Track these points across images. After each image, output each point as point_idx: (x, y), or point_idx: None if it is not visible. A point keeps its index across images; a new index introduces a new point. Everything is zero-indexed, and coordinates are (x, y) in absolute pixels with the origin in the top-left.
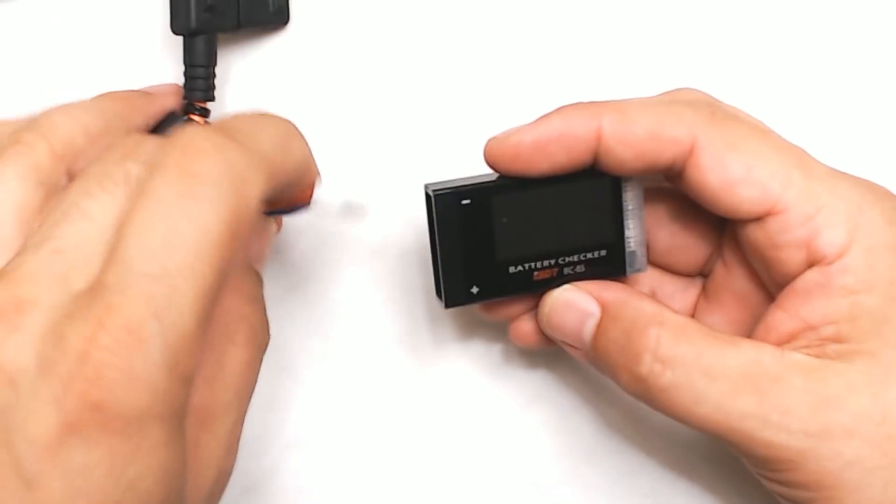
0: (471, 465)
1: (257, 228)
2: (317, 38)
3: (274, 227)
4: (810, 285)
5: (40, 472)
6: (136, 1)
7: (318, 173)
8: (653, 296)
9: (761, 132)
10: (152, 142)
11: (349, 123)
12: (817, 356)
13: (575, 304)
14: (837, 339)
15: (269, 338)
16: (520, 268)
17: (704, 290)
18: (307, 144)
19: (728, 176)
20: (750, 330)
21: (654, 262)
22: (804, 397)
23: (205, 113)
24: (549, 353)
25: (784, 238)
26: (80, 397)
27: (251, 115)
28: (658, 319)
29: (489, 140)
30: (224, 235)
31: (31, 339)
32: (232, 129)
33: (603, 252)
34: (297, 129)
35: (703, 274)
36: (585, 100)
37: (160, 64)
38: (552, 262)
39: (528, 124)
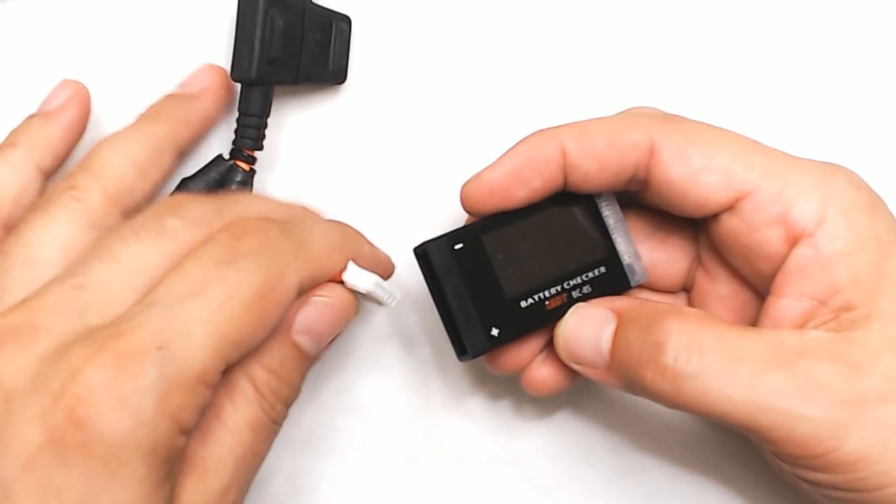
0: (470, 465)
1: (312, 303)
2: (370, 102)
3: (342, 302)
4: (804, 261)
5: (18, 485)
6: (203, 42)
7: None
8: None
9: (714, 128)
10: (196, 202)
11: (392, 186)
12: (835, 330)
13: (589, 316)
14: (847, 307)
15: (285, 411)
16: (531, 300)
17: (691, 304)
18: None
19: (690, 167)
20: None
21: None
22: (834, 367)
23: (251, 160)
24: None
25: (759, 218)
26: (66, 413)
27: (319, 218)
28: (676, 311)
29: (463, 185)
30: (251, 302)
31: (35, 360)
32: (291, 221)
33: (602, 269)
34: (350, 231)
35: (685, 289)
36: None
37: None
38: (559, 287)
39: (496, 160)
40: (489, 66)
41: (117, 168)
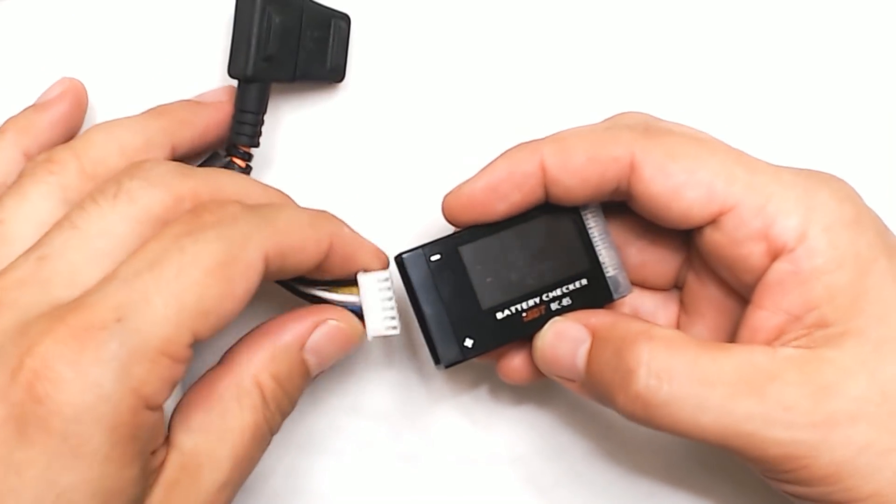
0: (468, 464)
1: (327, 325)
2: (368, 100)
3: (353, 331)
4: (782, 276)
5: None
6: (200, 39)
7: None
8: (635, 315)
9: (698, 140)
10: (153, 162)
11: (388, 185)
12: (808, 347)
13: (565, 333)
14: (822, 324)
15: (280, 422)
16: (507, 312)
17: (682, 304)
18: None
19: (671, 182)
20: (733, 337)
21: (630, 281)
22: (803, 390)
23: (247, 157)
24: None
25: (741, 233)
26: (25, 388)
27: (284, 200)
28: (647, 335)
29: (445, 197)
30: (212, 270)
31: None
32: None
33: (584, 281)
34: (327, 214)
35: (678, 286)
36: None
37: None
38: (538, 300)
39: (477, 173)
40: (487, 66)
41: (101, 149)
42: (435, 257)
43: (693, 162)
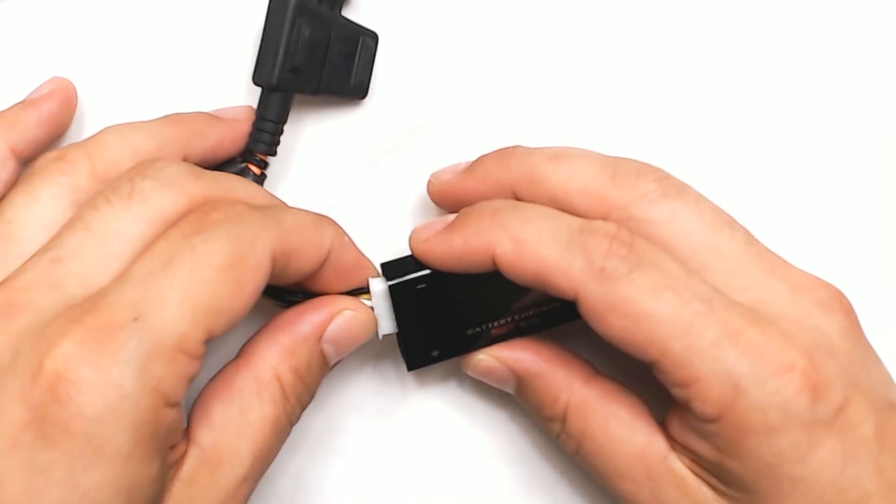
0: (468, 465)
1: (344, 315)
2: (389, 120)
3: (368, 322)
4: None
5: (5, 465)
6: (227, 46)
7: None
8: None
9: (654, 292)
10: (165, 162)
11: (401, 205)
12: (695, 474)
13: (493, 373)
14: (717, 471)
15: (300, 414)
16: (478, 329)
17: None
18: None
19: (608, 334)
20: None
21: None
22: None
23: (262, 165)
24: None
25: (666, 384)
26: (46, 390)
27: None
28: (566, 396)
29: (410, 237)
30: (223, 269)
31: (16, 339)
32: (263, 203)
33: (557, 303)
34: (330, 220)
35: None
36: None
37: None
38: (509, 318)
39: (439, 232)
40: (506, 94)
41: (114, 150)
42: (421, 286)
43: (631, 323)
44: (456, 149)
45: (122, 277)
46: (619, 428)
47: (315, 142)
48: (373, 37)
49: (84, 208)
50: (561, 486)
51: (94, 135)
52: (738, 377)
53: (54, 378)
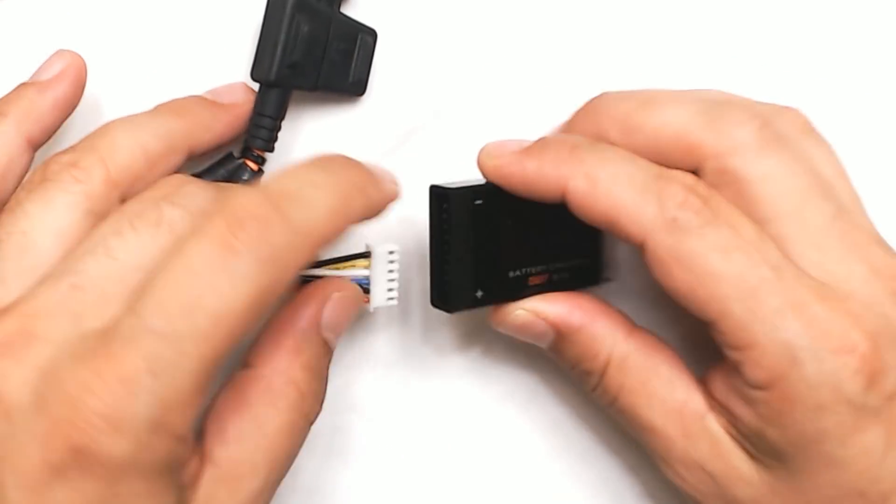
0: (467, 465)
1: (333, 299)
2: (387, 117)
3: (356, 296)
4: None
5: None
6: (227, 40)
7: (391, 194)
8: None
9: (724, 250)
10: (195, 189)
11: (402, 201)
12: (731, 436)
13: (531, 328)
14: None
15: (319, 410)
16: (517, 272)
17: None
18: (365, 175)
19: (669, 286)
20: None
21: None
22: (708, 464)
23: (260, 161)
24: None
25: (721, 344)
26: (66, 440)
27: (310, 170)
28: (608, 350)
29: (480, 152)
30: (246, 311)
31: (32, 375)
32: (283, 193)
33: (586, 261)
34: (355, 168)
35: None
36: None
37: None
38: (544, 267)
39: (513, 153)
40: (508, 95)
41: (127, 154)
42: (478, 202)
43: (695, 278)
44: (454, 145)
45: (139, 315)
46: (659, 383)
47: (313, 138)
48: (371, 33)
49: (107, 231)
50: (559, 487)
51: (103, 133)
52: (797, 349)
53: (71, 428)
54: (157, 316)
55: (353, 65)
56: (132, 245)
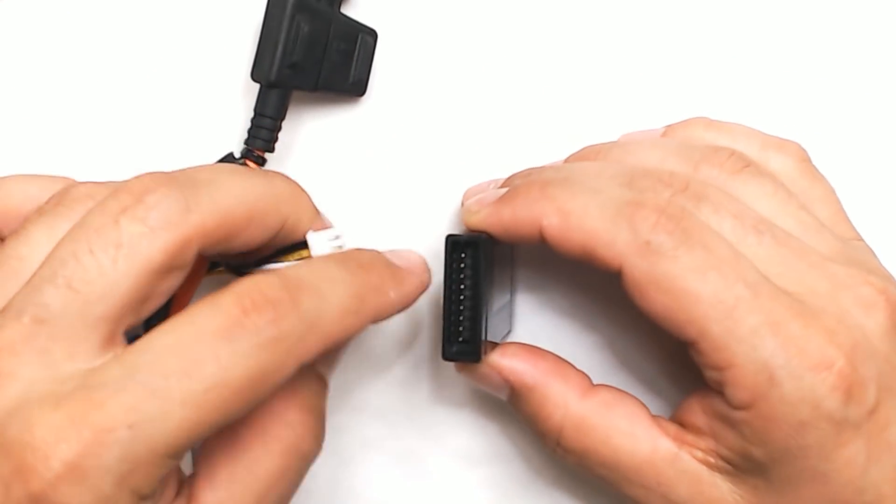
0: (470, 463)
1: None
2: (387, 117)
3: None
4: (718, 410)
5: None
6: (227, 41)
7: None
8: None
9: (699, 271)
10: (158, 198)
11: (399, 202)
12: (710, 466)
13: (486, 380)
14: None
15: (319, 449)
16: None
17: None
18: (387, 274)
19: (648, 309)
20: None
21: None
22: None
23: (261, 161)
24: None
25: (701, 365)
26: (24, 486)
27: (330, 264)
28: (561, 412)
29: (462, 209)
30: (241, 388)
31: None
32: (300, 282)
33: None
34: (378, 266)
35: None
36: None
37: (233, 104)
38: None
39: (490, 204)
40: (508, 96)
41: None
42: (489, 248)
43: (673, 300)
44: (454, 146)
45: (128, 363)
46: (621, 439)
47: (313, 138)
48: (371, 34)
49: (66, 254)
50: (558, 486)
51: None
52: (775, 368)
53: (33, 475)
54: (151, 373)
55: (354, 65)
56: (91, 274)
